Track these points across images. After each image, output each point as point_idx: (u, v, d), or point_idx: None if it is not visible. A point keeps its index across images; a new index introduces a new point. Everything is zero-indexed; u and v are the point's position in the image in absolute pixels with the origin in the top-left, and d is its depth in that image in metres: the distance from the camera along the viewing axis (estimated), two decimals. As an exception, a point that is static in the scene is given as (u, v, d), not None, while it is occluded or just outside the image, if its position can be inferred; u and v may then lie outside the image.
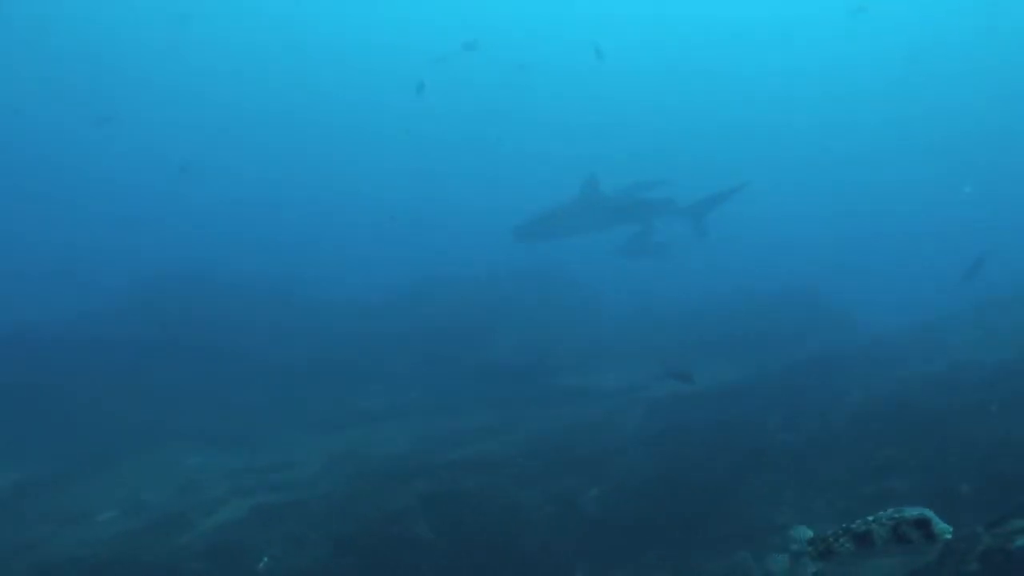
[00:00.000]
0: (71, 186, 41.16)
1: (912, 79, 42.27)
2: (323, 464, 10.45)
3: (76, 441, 12.83)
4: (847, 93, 46.21)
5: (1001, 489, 5.88)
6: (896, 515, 3.31)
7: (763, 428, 9.24)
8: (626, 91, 45.70)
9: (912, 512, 3.30)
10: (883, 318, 17.93)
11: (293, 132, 47.93)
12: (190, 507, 9.32)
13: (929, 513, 3.33)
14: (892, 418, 8.55)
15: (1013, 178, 37.68)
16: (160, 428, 12.86)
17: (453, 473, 8.75)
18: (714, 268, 25.85)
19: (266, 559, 7.10)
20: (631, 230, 16.03)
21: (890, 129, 44.93)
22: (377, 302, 19.08)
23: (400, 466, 9.59)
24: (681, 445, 9.08)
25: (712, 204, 15.46)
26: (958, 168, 39.07)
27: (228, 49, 47.60)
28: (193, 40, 44.88)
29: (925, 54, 39.43)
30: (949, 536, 3.29)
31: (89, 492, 10.72)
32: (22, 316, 18.05)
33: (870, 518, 3.37)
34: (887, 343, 15.17)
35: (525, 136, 45.66)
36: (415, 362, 15.54)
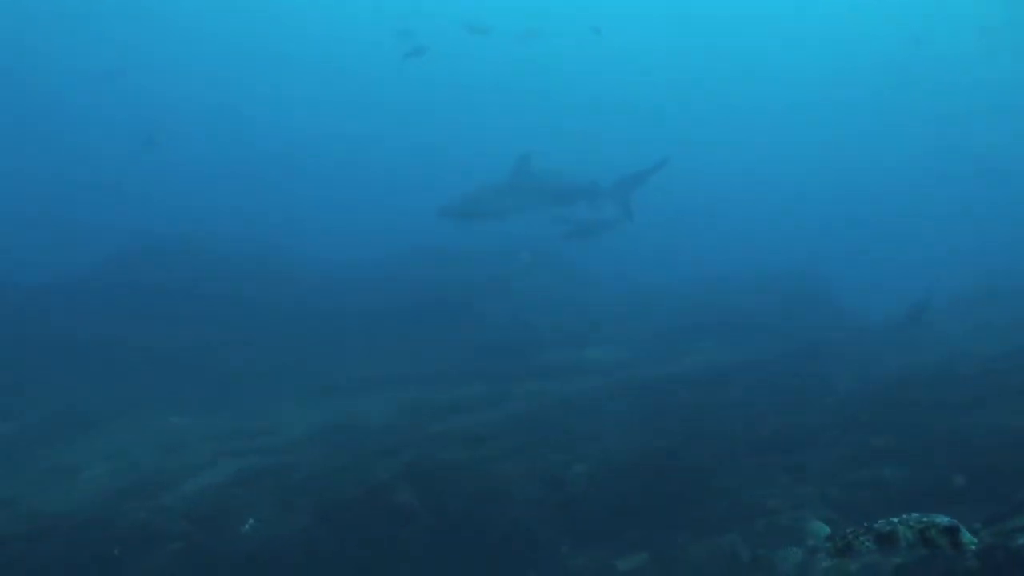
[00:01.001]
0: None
1: (914, 62, 42.06)
2: (310, 431, 10.41)
3: (66, 399, 12.78)
4: (849, 73, 46.08)
5: (996, 481, 5.88)
6: (925, 519, 3.34)
7: (752, 412, 9.25)
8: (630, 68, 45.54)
9: (942, 519, 3.32)
10: (876, 305, 17.96)
11: (288, 91, 47.69)
12: (176, 467, 9.28)
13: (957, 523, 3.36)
14: (883, 407, 8.56)
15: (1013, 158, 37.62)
16: (147, 390, 12.83)
17: (440, 445, 8.73)
18: (706, 251, 25.88)
19: (251, 521, 7.08)
20: (559, 212, 15.89)
21: (891, 111, 44.87)
22: (366, 273, 19.00)
23: (387, 436, 9.57)
24: (669, 425, 9.08)
25: (634, 184, 15.35)
26: (956, 149, 39.09)
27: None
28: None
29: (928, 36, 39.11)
30: (974, 547, 3.32)
31: (76, 449, 10.68)
32: (12, 273, 17.98)
33: (895, 519, 3.37)
34: (880, 331, 15.20)
35: (532, 106, 45.49)
36: (403, 333, 15.49)
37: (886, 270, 25.82)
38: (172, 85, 44.59)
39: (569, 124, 42.46)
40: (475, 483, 7.47)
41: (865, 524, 3.48)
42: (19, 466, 10.28)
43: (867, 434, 7.72)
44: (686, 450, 8.01)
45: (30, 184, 34.04)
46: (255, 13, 47.80)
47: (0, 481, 9.70)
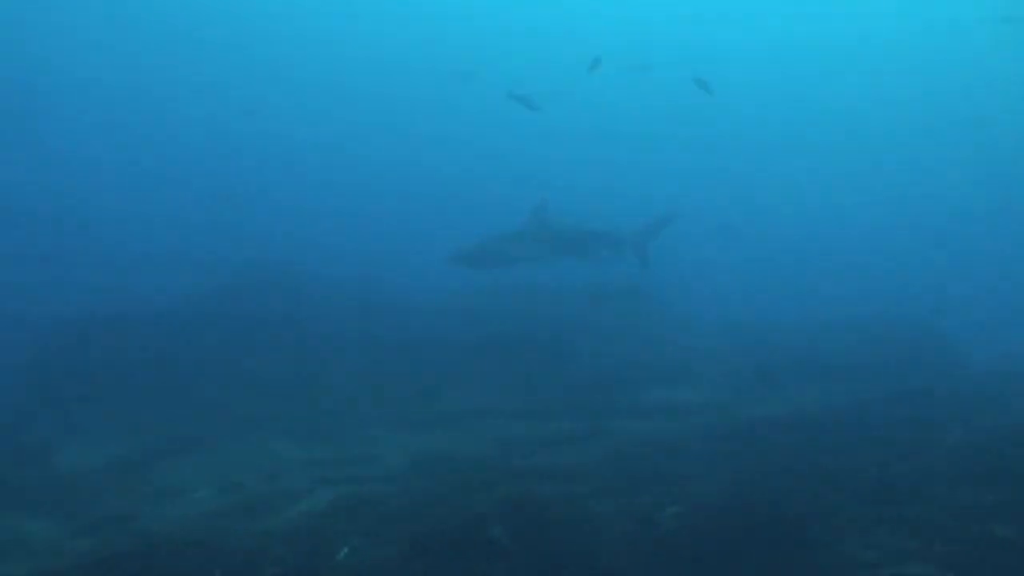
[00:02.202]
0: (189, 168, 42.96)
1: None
2: (405, 462, 10.61)
3: (172, 421, 13.38)
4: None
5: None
6: None
7: (853, 459, 8.95)
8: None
9: None
10: (995, 352, 17.21)
11: (386, 127, 49.11)
12: (276, 493, 9.60)
13: None
14: (997, 459, 8.16)
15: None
16: (251, 416, 13.31)
17: (532, 480, 8.76)
18: (812, 292, 25.31)
19: (346, 550, 7.24)
20: (578, 262, 15.69)
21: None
22: (460, 305, 19.25)
23: (480, 469, 9.66)
24: (766, 470, 8.88)
25: (652, 233, 15.12)
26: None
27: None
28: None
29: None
30: None
31: (184, 470, 11.17)
32: (124, 297, 18.99)
33: None
34: (997, 379, 14.51)
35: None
36: (496, 367, 15.60)
37: (1005, 312, 24.75)
38: (280, 122, 46.51)
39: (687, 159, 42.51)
40: (568, 519, 7.46)
41: None
42: (131, 486, 10.83)
43: (978, 488, 7.38)
44: (782, 496, 7.81)
45: (141, 218, 35.81)
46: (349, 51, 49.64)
47: (115, 499, 10.25)
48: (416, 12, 51.40)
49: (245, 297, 18.03)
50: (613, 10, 50.79)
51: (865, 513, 7.30)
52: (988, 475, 7.72)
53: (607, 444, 10.82)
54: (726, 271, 28.75)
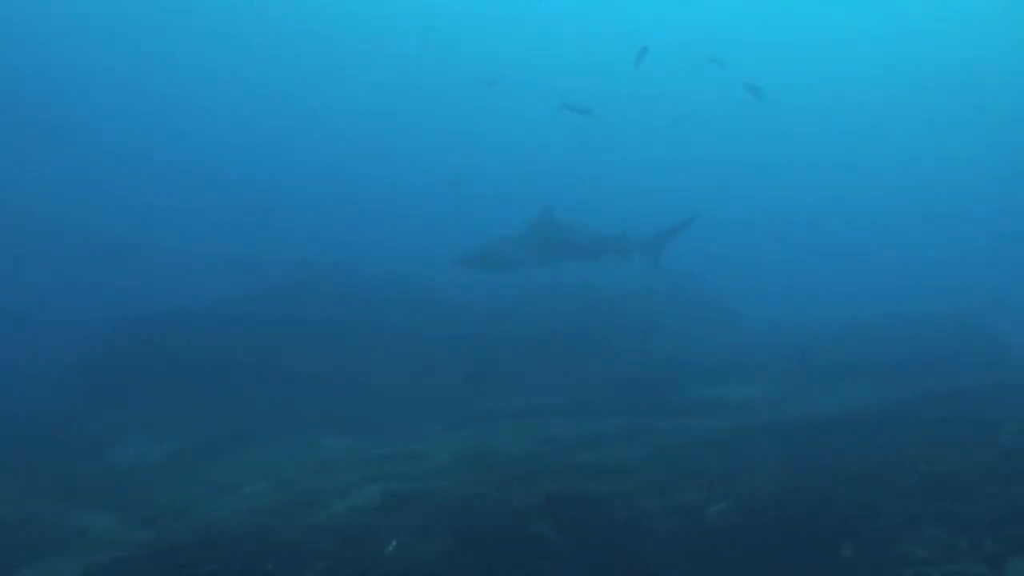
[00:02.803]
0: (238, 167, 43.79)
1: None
2: (451, 457, 10.72)
3: (223, 417, 13.71)
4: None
5: None
6: None
7: (904, 457, 8.85)
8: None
9: None
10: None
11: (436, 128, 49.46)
12: (326, 488, 9.77)
13: None
14: (1052, 459, 8.02)
15: None
16: (301, 411, 13.57)
17: (579, 477, 8.81)
18: (859, 289, 24.98)
19: (394, 543, 7.36)
20: (585, 265, 15.58)
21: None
22: (507, 304, 19.36)
23: (526, 466, 9.73)
24: (815, 467, 8.82)
25: (666, 239, 14.98)
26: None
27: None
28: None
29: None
30: None
31: (236, 465, 11.45)
32: (178, 295, 19.44)
33: None
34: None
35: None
36: (544, 364, 15.69)
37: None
38: (330, 125, 47.15)
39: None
40: (613, 516, 7.51)
41: None
42: (186, 480, 11.13)
43: (1031, 487, 7.27)
44: (832, 493, 7.76)
45: (193, 218, 36.57)
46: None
47: (170, 493, 10.54)
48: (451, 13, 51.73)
49: (295, 296, 18.36)
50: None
51: (915, 511, 7.23)
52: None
53: (652, 441, 10.80)
54: (771, 269, 28.51)
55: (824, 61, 49.43)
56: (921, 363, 15.18)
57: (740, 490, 8.09)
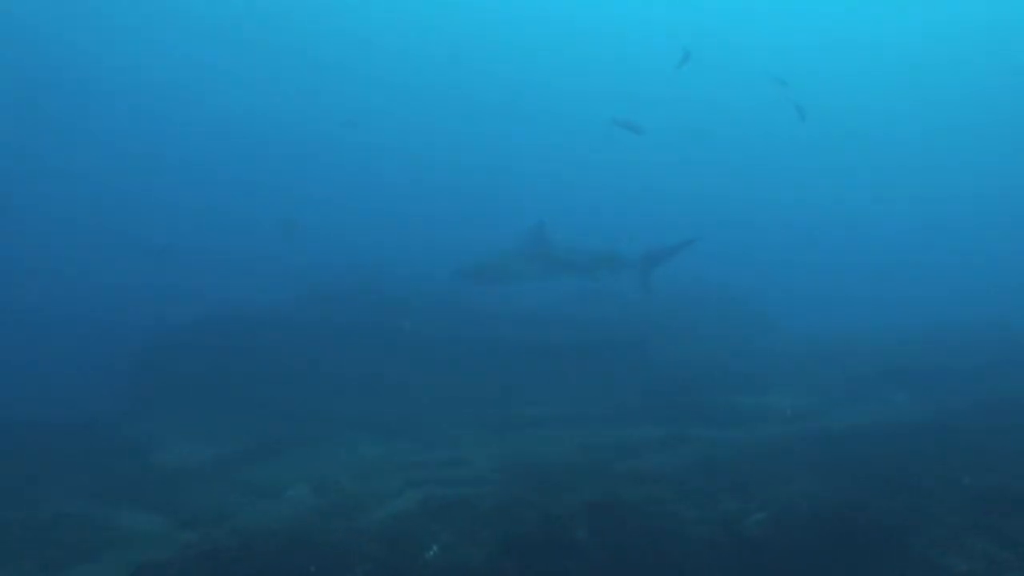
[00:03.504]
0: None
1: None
2: (490, 464, 10.81)
3: (265, 421, 13.92)
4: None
5: None
6: None
7: (946, 468, 8.77)
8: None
9: None
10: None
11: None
12: (367, 493, 9.91)
13: None
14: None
15: None
16: (342, 416, 13.75)
17: (618, 484, 8.84)
18: (898, 297, 24.70)
19: (435, 548, 7.46)
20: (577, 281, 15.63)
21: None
22: (544, 311, 19.41)
23: (565, 473, 9.78)
24: (855, 478, 8.77)
25: (659, 259, 14.95)
26: None
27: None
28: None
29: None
30: None
31: (278, 470, 11.62)
32: (223, 301, 19.76)
33: None
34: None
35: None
36: (581, 371, 15.73)
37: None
38: (375, 133, 47.57)
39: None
40: (652, 523, 7.53)
41: None
42: (229, 485, 11.31)
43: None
44: (873, 504, 7.71)
45: (238, 224, 37.07)
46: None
47: (216, 496, 10.73)
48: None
49: (335, 301, 18.56)
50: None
51: (958, 523, 7.18)
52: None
53: (690, 450, 10.81)
54: (808, 278, 28.27)
55: (859, 68, 48.98)
56: (963, 372, 14.99)
57: (779, 500, 8.08)
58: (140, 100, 48.10)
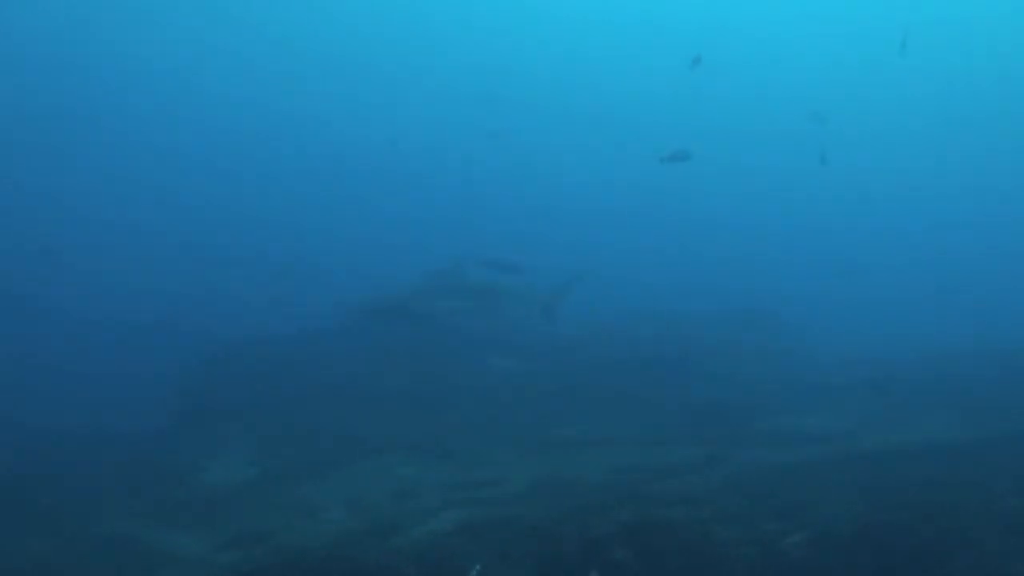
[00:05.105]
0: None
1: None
2: (529, 485, 10.84)
3: (306, 441, 14.09)
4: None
5: None
6: None
7: (990, 491, 8.65)
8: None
9: None
10: None
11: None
12: (405, 513, 10.00)
13: None
14: None
15: None
16: (380, 436, 13.87)
17: (656, 505, 8.84)
18: (941, 319, 24.37)
19: (478, 567, 7.50)
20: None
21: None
22: (584, 332, 19.43)
23: (602, 494, 9.80)
24: (895, 500, 8.68)
25: (560, 294, 15.04)
26: None
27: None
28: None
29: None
30: None
31: (317, 491, 11.77)
32: (263, 318, 20.08)
33: None
34: None
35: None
36: (619, 392, 15.71)
37: None
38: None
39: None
40: (691, 544, 7.53)
41: None
42: (270, 505, 11.48)
43: None
44: (914, 527, 7.63)
45: (282, 237, 37.52)
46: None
47: (255, 518, 10.89)
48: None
49: (374, 322, 18.73)
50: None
51: (1004, 548, 7.08)
52: None
53: (728, 471, 10.76)
54: (847, 300, 27.98)
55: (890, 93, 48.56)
56: (1002, 394, 14.74)
57: (820, 521, 8.02)
58: (201, 108, 49.25)
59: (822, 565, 7.13)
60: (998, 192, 43.24)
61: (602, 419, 14.58)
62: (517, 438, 13.69)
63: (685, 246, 37.67)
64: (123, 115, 46.20)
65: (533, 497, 10.22)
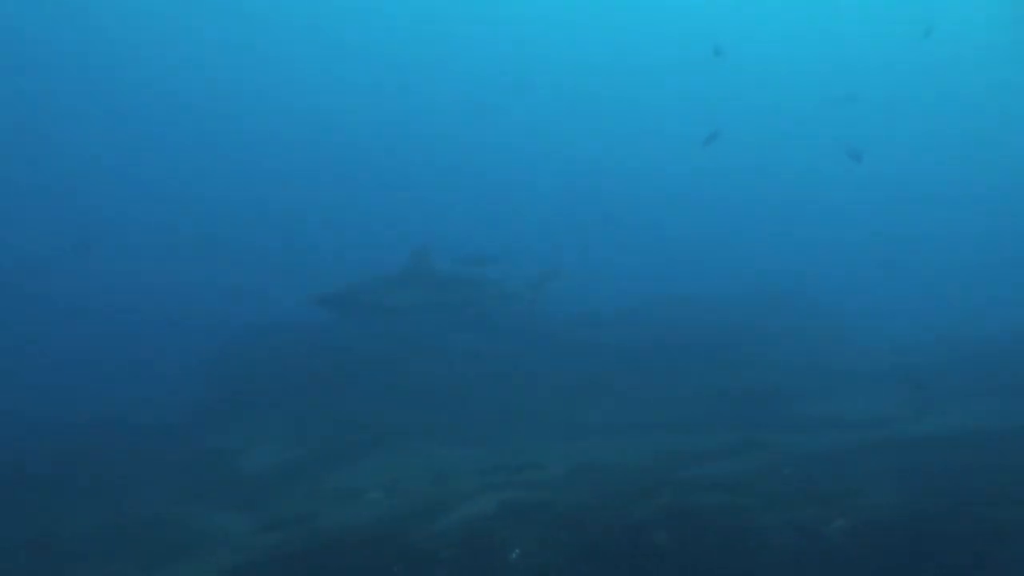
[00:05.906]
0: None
1: None
2: (568, 469, 10.90)
3: (345, 424, 14.25)
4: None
5: None
6: None
7: (1030, 479, 8.59)
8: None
9: None
10: None
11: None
12: (445, 496, 10.08)
13: None
14: None
15: None
16: (418, 420, 13.99)
17: (694, 490, 8.87)
18: (973, 300, 24.06)
19: (518, 551, 7.58)
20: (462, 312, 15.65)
21: None
22: (619, 318, 19.42)
23: (642, 478, 9.84)
24: (935, 487, 8.64)
25: (538, 286, 14.92)
26: None
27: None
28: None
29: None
30: None
31: (356, 473, 11.91)
32: (294, 311, 20.25)
33: None
34: None
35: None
36: (656, 378, 15.71)
37: None
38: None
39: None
40: (731, 530, 7.55)
41: None
42: (311, 487, 11.64)
43: None
44: (956, 515, 7.59)
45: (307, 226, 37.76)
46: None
47: (295, 500, 11.05)
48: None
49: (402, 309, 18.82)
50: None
51: (1048, 535, 7.04)
52: None
53: (767, 456, 10.75)
54: (884, 285, 27.67)
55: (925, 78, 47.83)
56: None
57: (861, 508, 7.99)
58: (235, 105, 49.76)
59: (865, 552, 7.12)
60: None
61: (637, 405, 14.60)
62: (551, 424, 13.77)
63: (714, 228, 37.51)
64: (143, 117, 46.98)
65: (571, 482, 10.28)
